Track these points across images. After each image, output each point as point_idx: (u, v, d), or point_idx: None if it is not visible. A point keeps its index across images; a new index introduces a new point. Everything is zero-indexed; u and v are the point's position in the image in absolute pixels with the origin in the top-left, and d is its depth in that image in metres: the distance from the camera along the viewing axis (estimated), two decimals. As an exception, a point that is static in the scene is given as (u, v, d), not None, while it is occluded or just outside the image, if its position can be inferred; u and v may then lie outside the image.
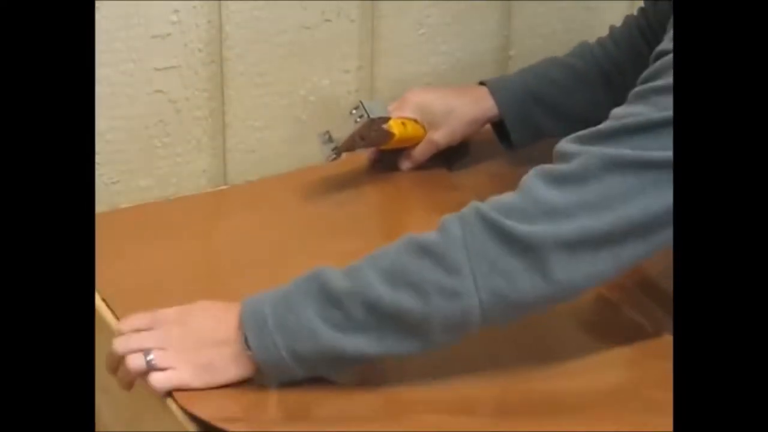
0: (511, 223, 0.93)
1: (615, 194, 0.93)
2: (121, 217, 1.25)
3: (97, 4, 1.18)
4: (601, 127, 0.97)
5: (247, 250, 1.19)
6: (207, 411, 0.93)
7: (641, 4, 1.34)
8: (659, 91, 0.94)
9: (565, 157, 0.96)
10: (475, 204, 0.96)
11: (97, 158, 1.25)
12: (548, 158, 0.98)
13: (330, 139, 1.26)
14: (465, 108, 1.33)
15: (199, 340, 0.96)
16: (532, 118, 1.32)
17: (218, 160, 1.34)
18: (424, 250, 0.94)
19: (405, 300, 0.93)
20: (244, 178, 1.36)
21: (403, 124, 1.31)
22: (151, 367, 0.95)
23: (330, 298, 0.94)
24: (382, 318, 0.93)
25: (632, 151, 0.93)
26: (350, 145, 1.27)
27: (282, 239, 1.21)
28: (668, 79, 0.93)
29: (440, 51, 1.45)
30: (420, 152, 1.34)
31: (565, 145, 0.97)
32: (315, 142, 1.28)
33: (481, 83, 1.35)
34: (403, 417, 0.96)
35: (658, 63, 0.96)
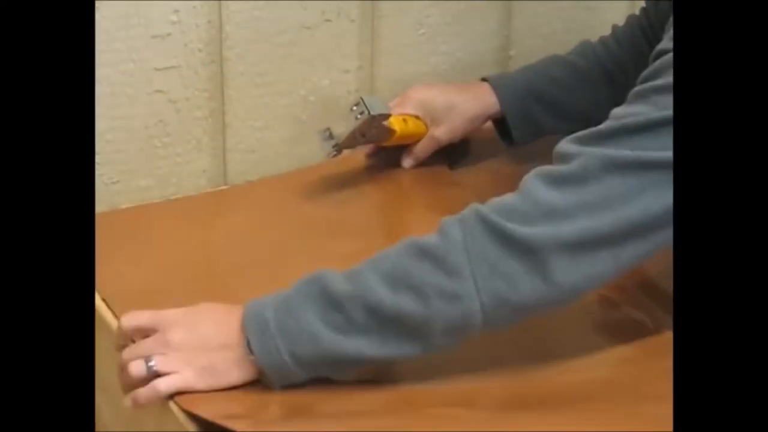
0: (511, 226, 0.93)
1: (615, 195, 0.93)
2: (121, 217, 1.25)
3: (97, 4, 1.18)
4: (600, 127, 0.96)
5: (247, 250, 1.19)
6: (209, 410, 0.93)
7: (642, 4, 1.34)
8: (659, 90, 0.94)
9: (565, 157, 0.96)
10: (475, 206, 0.96)
11: (97, 158, 1.25)
12: (549, 156, 0.98)
13: (330, 136, 1.26)
14: (467, 104, 1.33)
15: (201, 344, 0.96)
16: (533, 115, 1.32)
17: (218, 160, 1.34)
18: (425, 253, 0.94)
19: (406, 303, 0.93)
20: (244, 178, 1.36)
21: (404, 120, 1.31)
22: (152, 373, 0.95)
23: (331, 302, 0.94)
24: (383, 321, 0.93)
25: (632, 151, 0.93)
26: (351, 142, 1.27)
27: (282, 239, 1.21)
28: (668, 79, 0.93)
29: (440, 51, 1.45)
30: (421, 149, 1.34)
31: (565, 145, 0.97)
32: (315, 142, 1.28)
33: (483, 80, 1.34)
34: (406, 412, 0.96)
35: (658, 62, 0.96)
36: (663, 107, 0.92)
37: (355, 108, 1.25)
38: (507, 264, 0.93)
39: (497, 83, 1.33)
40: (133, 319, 0.99)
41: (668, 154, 0.90)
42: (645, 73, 0.97)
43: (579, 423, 0.93)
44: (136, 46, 1.24)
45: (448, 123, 1.32)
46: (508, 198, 0.96)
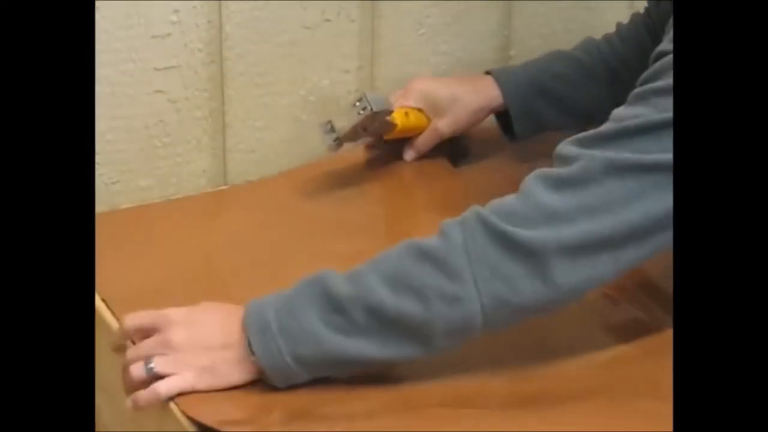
0: (512, 229, 0.93)
1: (616, 198, 0.93)
2: (121, 217, 1.25)
3: (97, 4, 1.18)
4: (601, 129, 0.96)
5: (247, 250, 1.19)
6: (210, 415, 0.93)
7: (641, 4, 1.34)
8: (659, 92, 0.94)
9: (566, 160, 0.96)
10: (475, 208, 0.96)
11: (97, 158, 1.25)
12: (550, 154, 0.98)
13: (332, 129, 1.25)
14: (470, 97, 1.32)
15: (202, 344, 0.96)
16: (536, 109, 1.32)
17: (218, 160, 1.34)
18: (426, 256, 0.94)
19: (406, 305, 0.93)
20: (244, 178, 1.36)
21: (406, 114, 1.30)
22: (152, 375, 0.95)
23: (332, 303, 0.94)
24: (384, 323, 0.93)
25: (632, 154, 0.93)
26: (352, 136, 1.27)
27: (282, 239, 1.21)
28: (668, 80, 0.93)
29: (440, 51, 1.45)
30: (423, 141, 1.33)
31: (565, 147, 0.97)
32: (315, 142, 1.28)
33: (487, 73, 1.34)
34: (407, 413, 0.96)
35: (658, 64, 0.96)
36: (663, 109, 0.92)
37: (357, 104, 1.25)
38: (508, 267, 0.93)
39: (501, 76, 1.33)
40: (134, 319, 0.99)
41: (669, 156, 0.90)
42: (645, 74, 0.97)
43: (579, 422, 0.93)
44: (136, 46, 1.24)
45: (451, 115, 1.32)
46: (509, 200, 0.96)
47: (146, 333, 0.98)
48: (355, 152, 1.35)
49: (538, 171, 0.97)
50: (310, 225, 1.24)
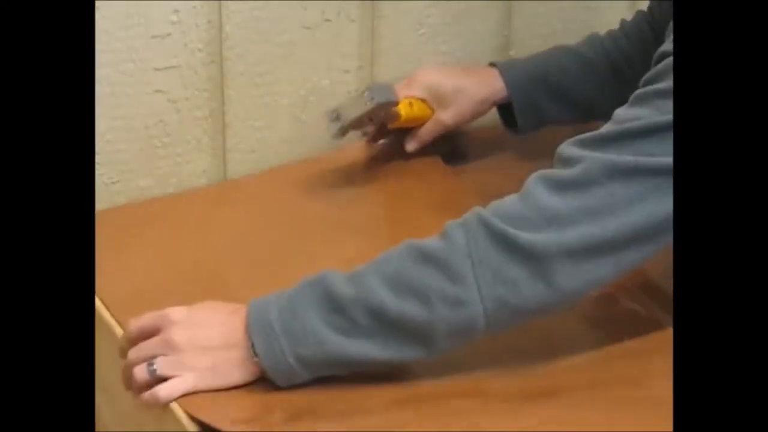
0: (514, 232, 0.93)
1: (618, 201, 0.93)
2: (120, 215, 1.25)
3: (97, 4, 1.18)
4: (602, 131, 0.96)
5: (247, 249, 1.19)
6: (211, 415, 0.93)
7: (642, 4, 1.34)
8: (661, 94, 0.94)
9: (568, 161, 0.95)
10: (477, 210, 0.96)
11: (97, 158, 1.25)
12: (551, 153, 0.98)
13: (338, 118, 1.25)
14: (475, 88, 1.32)
15: (204, 344, 0.96)
16: (539, 102, 1.32)
17: (218, 160, 1.34)
18: (428, 258, 0.94)
19: (409, 307, 0.93)
20: (244, 179, 1.36)
21: (410, 104, 1.30)
22: (155, 377, 0.95)
23: (334, 304, 0.94)
24: (386, 324, 0.94)
25: (635, 157, 0.93)
26: (358, 125, 1.27)
27: (282, 238, 1.21)
28: (670, 82, 0.93)
29: (440, 51, 1.45)
30: (426, 132, 1.33)
31: (567, 148, 0.97)
32: (315, 142, 1.28)
33: (491, 65, 1.34)
34: (410, 412, 0.96)
35: (660, 65, 0.96)
36: (665, 111, 0.92)
37: (366, 93, 1.25)
38: (510, 269, 0.93)
39: (505, 69, 1.32)
40: (137, 322, 0.99)
41: (671, 159, 0.90)
42: (647, 75, 0.97)
43: (579, 418, 0.93)
44: (136, 46, 1.24)
45: (455, 107, 1.32)
46: (511, 202, 0.96)
47: (148, 334, 0.98)
48: (356, 152, 1.35)
49: (539, 172, 0.97)
50: (310, 224, 1.24)
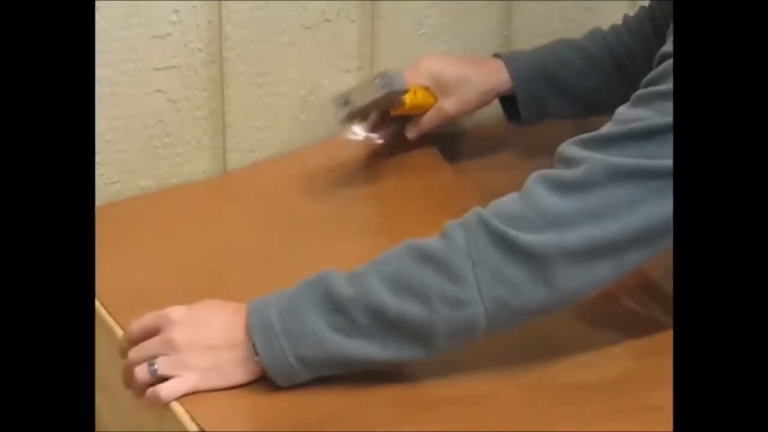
0: (514, 233, 0.93)
1: (619, 203, 0.93)
2: (119, 212, 1.25)
3: (97, 4, 1.18)
4: (603, 132, 0.96)
5: (247, 249, 1.19)
6: (211, 415, 0.93)
7: (641, 4, 1.34)
8: (662, 95, 0.94)
9: (569, 162, 0.95)
10: (477, 210, 0.96)
11: (97, 158, 1.25)
12: (551, 152, 0.98)
13: (346, 103, 1.25)
14: (479, 78, 1.32)
15: (205, 344, 0.96)
16: (542, 95, 1.32)
17: (218, 160, 1.34)
18: (428, 258, 0.94)
19: (409, 308, 0.93)
20: (244, 179, 1.36)
21: (414, 92, 1.30)
22: (156, 377, 0.95)
23: (334, 304, 0.94)
24: (386, 324, 0.93)
25: (635, 159, 0.93)
26: (365, 113, 1.27)
27: (282, 238, 1.21)
28: (671, 84, 0.93)
29: (440, 51, 1.45)
30: (428, 120, 1.33)
31: (568, 148, 0.97)
32: (315, 142, 1.27)
33: (496, 55, 1.34)
34: (410, 412, 0.96)
35: (662, 67, 0.96)
36: (666, 113, 0.92)
37: (377, 81, 1.25)
38: (510, 270, 0.93)
39: (510, 60, 1.32)
40: (137, 322, 0.99)
41: (671, 162, 0.90)
42: (649, 76, 0.97)
43: (580, 419, 0.93)
44: (136, 46, 1.24)
45: (459, 96, 1.31)
46: (511, 202, 0.96)
47: (149, 334, 0.98)
48: (356, 151, 1.34)
49: (539, 172, 0.96)
50: (310, 224, 1.24)
